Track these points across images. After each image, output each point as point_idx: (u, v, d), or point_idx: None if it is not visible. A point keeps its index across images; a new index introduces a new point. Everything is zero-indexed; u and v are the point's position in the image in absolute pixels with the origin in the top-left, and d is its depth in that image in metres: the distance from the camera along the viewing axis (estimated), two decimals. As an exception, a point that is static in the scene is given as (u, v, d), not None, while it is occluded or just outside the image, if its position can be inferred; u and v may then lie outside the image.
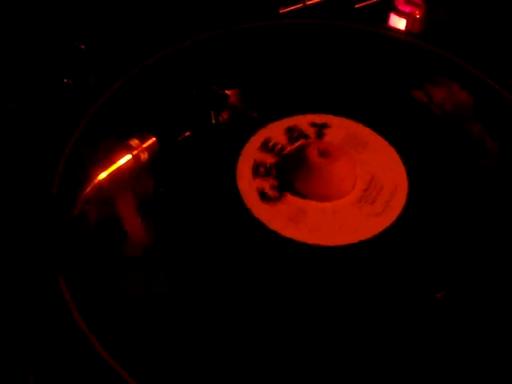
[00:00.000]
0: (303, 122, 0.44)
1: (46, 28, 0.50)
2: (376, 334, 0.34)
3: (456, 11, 0.56)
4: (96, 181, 0.36)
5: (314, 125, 0.43)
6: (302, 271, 0.36)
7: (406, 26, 0.54)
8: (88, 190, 0.36)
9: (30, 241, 0.37)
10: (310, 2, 0.57)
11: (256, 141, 0.42)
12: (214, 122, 0.43)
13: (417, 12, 0.54)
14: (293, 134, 0.43)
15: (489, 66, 0.50)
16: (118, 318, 0.34)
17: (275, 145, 0.42)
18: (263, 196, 0.39)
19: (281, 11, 0.56)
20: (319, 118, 0.44)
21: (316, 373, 0.32)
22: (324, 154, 0.40)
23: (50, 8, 0.51)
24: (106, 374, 0.33)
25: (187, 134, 0.42)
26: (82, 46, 0.48)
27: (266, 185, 0.40)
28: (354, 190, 0.40)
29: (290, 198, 0.40)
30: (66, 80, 0.49)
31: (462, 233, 0.38)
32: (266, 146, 0.42)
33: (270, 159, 0.41)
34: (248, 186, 0.40)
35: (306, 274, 0.36)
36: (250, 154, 0.42)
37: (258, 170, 0.41)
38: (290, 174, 0.40)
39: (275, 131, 0.43)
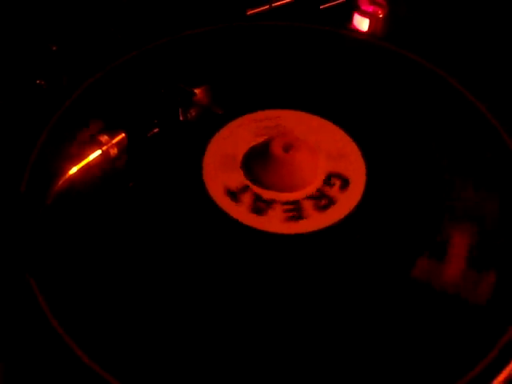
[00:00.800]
0: (270, 115, 0.45)
1: (20, 30, 0.51)
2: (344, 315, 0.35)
3: (418, 9, 0.59)
4: (67, 176, 0.37)
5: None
6: (265, 259, 0.38)
7: (370, 26, 0.56)
8: (59, 184, 0.37)
9: None
10: (276, 4, 0.59)
11: (223, 134, 0.44)
12: (181, 118, 0.44)
13: (379, 12, 0.56)
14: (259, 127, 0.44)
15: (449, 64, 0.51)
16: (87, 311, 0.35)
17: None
18: (228, 188, 0.41)
19: (248, 13, 0.58)
20: (278, 113, 0.45)
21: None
22: (287, 148, 0.41)
23: (24, 11, 0.52)
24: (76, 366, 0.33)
25: (156, 130, 0.43)
26: (54, 47, 0.50)
27: (232, 176, 0.42)
28: (315, 181, 0.42)
29: (254, 189, 0.41)
30: (38, 81, 0.50)
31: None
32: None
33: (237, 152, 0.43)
34: (213, 177, 0.41)
35: (269, 262, 0.38)
36: (217, 146, 0.43)
37: (224, 163, 0.42)
38: (255, 166, 0.42)
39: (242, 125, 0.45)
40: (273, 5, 0.58)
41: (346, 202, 0.41)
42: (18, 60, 0.51)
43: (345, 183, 0.42)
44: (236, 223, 0.39)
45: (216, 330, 0.35)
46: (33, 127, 0.44)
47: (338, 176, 0.42)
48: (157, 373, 0.33)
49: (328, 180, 0.42)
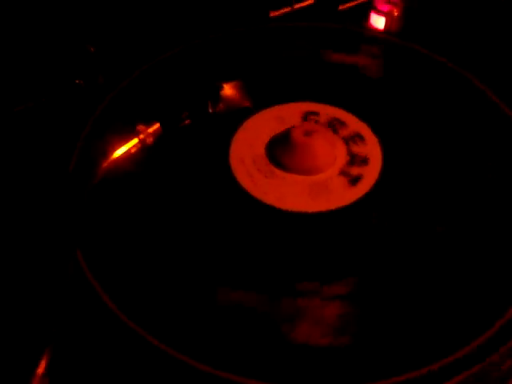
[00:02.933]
0: (293, 108, 0.49)
1: (59, 33, 0.55)
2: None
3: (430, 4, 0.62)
4: (111, 158, 0.41)
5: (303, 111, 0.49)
6: (285, 235, 0.41)
7: (385, 24, 0.59)
8: (103, 166, 0.41)
9: (48, 216, 0.42)
10: (298, 6, 0.62)
11: (249, 124, 0.48)
12: (210, 111, 0.48)
13: (395, 10, 0.59)
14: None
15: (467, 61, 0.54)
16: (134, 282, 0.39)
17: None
18: (252, 170, 0.45)
19: (271, 15, 0.61)
20: (308, 106, 0.49)
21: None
22: (307, 133, 0.45)
23: (62, 14, 0.57)
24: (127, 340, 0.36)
25: (187, 121, 0.47)
26: (92, 49, 0.54)
27: (257, 160, 0.45)
28: (333, 165, 0.45)
29: (277, 173, 0.45)
30: (77, 81, 0.54)
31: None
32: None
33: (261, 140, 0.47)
34: (239, 162, 0.45)
35: (288, 238, 0.41)
36: (245, 131, 0.47)
37: (250, 149, 0.46)
38: (277, 150, 0.45)
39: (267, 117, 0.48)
40: (294, 7, 0.62)
41: (347, 195, 0.44)
42: (60, 62, 0.55)
43: (356, 177, 0.45)
44: (259, 203, 0.43)
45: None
46: (78, 120, 0.48)
47: (350, 170, 0.45)
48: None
49: (342, 171, 0.45)
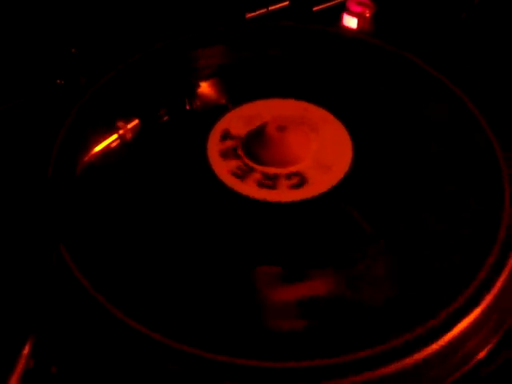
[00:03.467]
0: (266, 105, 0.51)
1: (42, 34, 0.57)
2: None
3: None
4: (92, 152, 0.43)
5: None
6: (261, 222, 0.43)
7: (358, 24, 0.61)
8: (84, 161, 0.42)
9: (30, 212, 0.43)
10: (272, 8, 0.64)
11: (226, 120, 0.50)
12: (188, 107, 0.50)
13: (366, 11, 0.61)
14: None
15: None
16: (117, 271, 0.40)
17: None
18: (224, 155, 0.47)
19: (247, 16, 0.63)
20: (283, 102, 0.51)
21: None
22: (281, 128, 0.47)
23: (45, 16, 0.58)
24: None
25: (165, 118, 0.49)
26: (74, 50, 0.56)
27: (231, 151, 0.47)
28: (306, 158, 0.47)
29: (247, 161, 0.47)
30: (58, 81, 0.56)
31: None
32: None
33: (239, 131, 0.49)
34: (215, 149, 0.47)
35: (262, 224, 0.43)
36: (221, 126, 0.49)
37: (225, 137, 0.48)
38: (253, 145, 0.47)
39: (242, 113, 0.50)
40: (269, 8, 0.64)
41: (322, 184, 0.46)
42: (41, 62, 0.57)
43: (326, 169, 0.47)
44: (241, 197, 0.44)
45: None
46: (57, 118, 0.49)
47: (322, 161, 0.47)
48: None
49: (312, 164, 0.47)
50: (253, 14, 0.63)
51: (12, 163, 0.48)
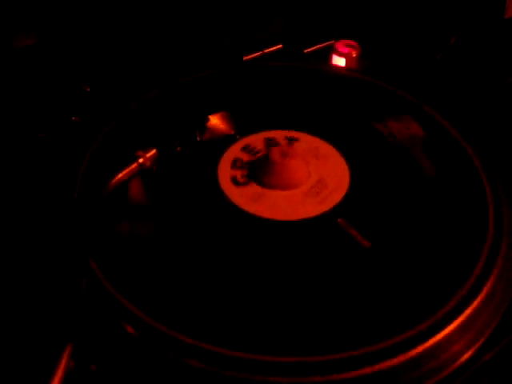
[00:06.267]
0: (278, 135, 0.56)
1: (58, 74, 0.62)
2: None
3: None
4: (114, 180, 0.48)
5: (286, 138, 0.56)
6: (257, 239, 0.48)
7: (346, 64, 0.67)
8: (109, 186, 0.47)
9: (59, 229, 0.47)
10: (267, 51, 0.70)
11: (238, 145, 0.55)
12: (198, 139, 0.55)
13: (353, 52, 0.67)
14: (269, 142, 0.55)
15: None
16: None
17: (253, 148, 0.54)
18: (235, 181, 0.52)
19: (244, 58, 0.69)
20: (290, 133, 0.56)
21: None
22: (284, 155, 0.52)
23: (60, 57, 0.64)
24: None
25: (178, 148, 0.54)
26: (88, 89, 0.60)
27: (239, 174, 0.52)
28: (304, 184, 0.52)
29: (255, 186, 0.52)
30: (73, 118, 0.61)
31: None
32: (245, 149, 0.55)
33: (246, 158, 0.54)
34: (225, 174, 0.52)
35: (260, 242, 0.48)
36: (232, 154, 0.54)
37: (235, 164, 0.53)
38: (257, 167, 0.52)
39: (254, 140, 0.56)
40: (264, 51, 0.70)
41: (325, 204, 0.51)
42: (57, 101, 0.61)
43: (327, 190, 0.51)
44: (238, 209, 0.49)
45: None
46: (74, 150, 0.54)
47: (323, 184, 0.52)
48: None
49: (314, 186, 0.52)
50: (249, 56, 0.69)
51: (35, 194, 0.53)
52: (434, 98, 0.61)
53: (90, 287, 0.43)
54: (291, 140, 0.55)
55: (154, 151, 0.51)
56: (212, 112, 0.56)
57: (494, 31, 0.72)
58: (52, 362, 0.39)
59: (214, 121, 0.55)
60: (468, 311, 0.44)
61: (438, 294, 0.44)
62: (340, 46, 0.67)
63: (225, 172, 0.52)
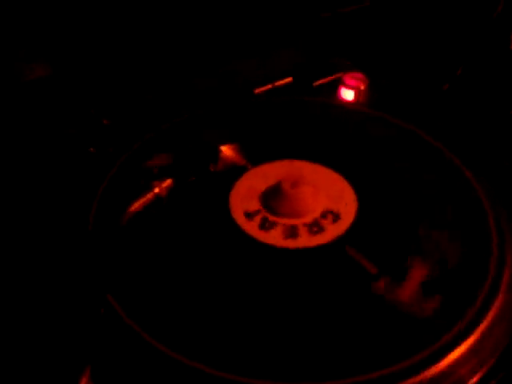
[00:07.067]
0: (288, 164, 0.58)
1: (77, 107, 0.65)
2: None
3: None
4: (131, 209, 0.50)
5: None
6: (267, 267, 0.49)
7: (354, 96, 0.69)
8: (126, 214, 0.49)
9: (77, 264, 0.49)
10: (278, 83, 0.72)
11: (249, 175, 0.57)
12: (211, 169, 0.57)
13: (361, 85, 0.69)
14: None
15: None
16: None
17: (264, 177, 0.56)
18: (247, 213, 0.53)
19: (256, 91, 0.71)
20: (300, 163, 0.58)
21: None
22: (294, 184, 0.54)
23: (80, 93, 0.66)
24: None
25: (193, 178, 0.55)
26: (105, 121, 0.63)
27: (250, 203, 0.54)
28: (313, 212, 0.53)
29: (266, 214, 0.53)
30: (91, 149, 0.63)
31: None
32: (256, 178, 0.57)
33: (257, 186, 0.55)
34: (237, 203, 0.54)
35: (271, 269, 0.49)
36: (243, 183, 0.56)
37: (246, 193, 0.55)
38: (268, 196, 0.54)
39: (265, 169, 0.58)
40: (275, 84, 0.72)
41: (334, 231, 0.52)
42: (76, 133, 0.64)
43: (336, 218, 0.53)
44: (249, 238, 0.51)
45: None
46: (90, 180, 0.56)
47: (332, 212, 0.54)
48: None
49: (323, 214, 0.54)
50: (260, 89, 0.71)
51: (50, 224, 0.55)
52: (441, 130, 0.62)
53: (107, 318, 0.45)
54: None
55: (169, 181, 0.53)
56: (225, 143, 0.58)
57: (499, 62, 0.74)
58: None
59: (227, 151, 0.57)
60: (474, 337, 0.45)
61: (443, 320, 0.45)
62: (348, 78, 0.69)
63: (236, 201, 0.54)
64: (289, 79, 0.72)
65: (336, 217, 0.53)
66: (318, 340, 0.44)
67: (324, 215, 0.53)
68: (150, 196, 0.51)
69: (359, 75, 0.69)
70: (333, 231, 0.52)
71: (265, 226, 0.52)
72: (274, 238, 0.51)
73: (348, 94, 0.69)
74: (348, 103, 0.69)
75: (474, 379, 0.44)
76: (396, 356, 0.43)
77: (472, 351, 0.44)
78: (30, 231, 0.55)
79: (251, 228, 0.52)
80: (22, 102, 0.67)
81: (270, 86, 0.72)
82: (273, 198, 0.54)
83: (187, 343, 0.43)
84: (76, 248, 0.50)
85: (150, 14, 0.74)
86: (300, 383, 0.42)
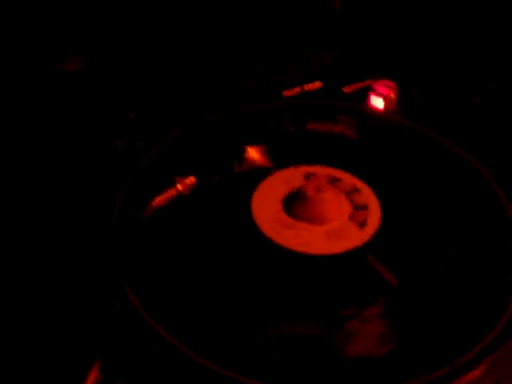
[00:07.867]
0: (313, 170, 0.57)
1: (104, 101, 0.65)
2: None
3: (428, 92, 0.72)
4: (153, 204, 0.49)
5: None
6: (288, 272, 0.49)
7: (384, 105, 0.68)
8: (149, 209, 0.49)
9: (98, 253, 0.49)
10: (307, 87, 0.72)
11: (273, 178, 0.56)
12: (236, 170, 0.56)
13: (391, 93, 0.68)
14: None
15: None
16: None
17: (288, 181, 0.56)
18: (269, 216, 0.52)
19: (284, 94, 0.71)
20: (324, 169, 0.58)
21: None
22: (318, 189, 0.53)
23: (105, 86, 0.66)
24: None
25: (216, 177, 0.55)
26: (132, 115, 0.63)
27: (273, 205, 0.53)
28: (336, 220, 0.53)
29: (288, 219, 0.53)
30: (117, 142, 0.63)
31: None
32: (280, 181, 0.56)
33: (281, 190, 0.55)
34: (259, 207, 0.53)
35: (295, 275, 0.48)
36: (267, 185, 0.55)
37: (271, 195, 0.54)
38: (294, 204, 0.53)
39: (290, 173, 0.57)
40: (304, 87, 0.72)
41: (357, 239, 0.52)
42: (103, 125, 0.64)
43: (360, 225, 0.53)
44: (269, 241, 0.50)
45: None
46: (120, 174, 0.56)
47: (355, 219, 0.53)
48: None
49: (346, 221, 0.53)
50: (289, 91, 0.71)
51: (75, 216, 0.55)
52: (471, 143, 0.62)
53: (123, 310, 0.45)
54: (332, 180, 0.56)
55: (192, 179, 0.53)
56: (251, 144, 0.57)
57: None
58: (82, 374, 0.41)
59: (252, 153, 0.57)
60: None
61: (463, 339, 0.45)
62: (379, 86, 0.68)
63: (258, 203, 0.54)
64: (319, 84, 0.72)
65: (361, 224, 0.52)
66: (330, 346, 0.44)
67: (347, 222, 0.53)
68: (172, 192, 0.51)
69: (390, 83, 0.68)
70: (355, 239, 0.51)
71: (286, 230, 0.52)
72: (295, 242, 0.51)
73: (378, 102, 0.68)
74: (376, 111, 0.68)
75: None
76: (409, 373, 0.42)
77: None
78: (53, 221, 0.55)
79: (272, 231, 0.51)
80: (52, 95, 0.67)
81: (298, 89, 0.71)
82: (296, 203, 0.53)
83: (199, 340, 0.43)
84: (99, 237, 0.50)
85: (185, 13, 0.74)
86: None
